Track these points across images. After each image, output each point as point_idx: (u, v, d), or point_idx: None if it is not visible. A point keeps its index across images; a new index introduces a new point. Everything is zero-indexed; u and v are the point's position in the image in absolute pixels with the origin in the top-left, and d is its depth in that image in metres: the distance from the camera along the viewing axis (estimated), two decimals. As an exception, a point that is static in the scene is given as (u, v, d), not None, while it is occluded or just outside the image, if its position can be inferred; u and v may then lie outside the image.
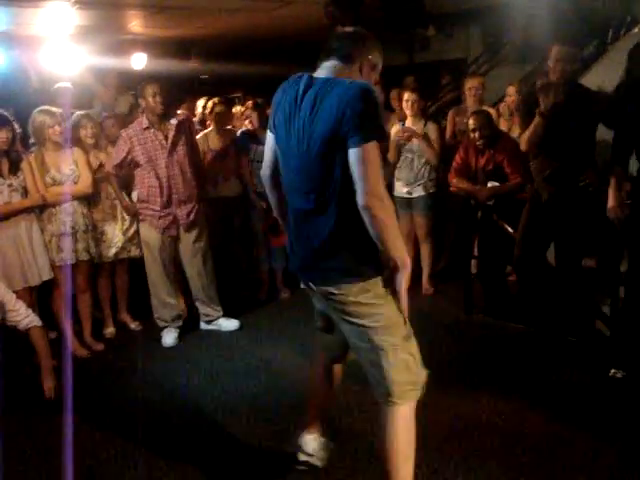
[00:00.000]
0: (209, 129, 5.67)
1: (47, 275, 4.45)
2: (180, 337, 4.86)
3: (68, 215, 4.48)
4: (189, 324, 5.00)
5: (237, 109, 6.21)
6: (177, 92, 6.98)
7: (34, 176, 4.40)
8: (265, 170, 2.67)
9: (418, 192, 5.48)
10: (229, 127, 5.89)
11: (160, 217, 4.65)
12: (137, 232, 4.90)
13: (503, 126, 5.39)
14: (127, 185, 4.90)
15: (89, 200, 4.70)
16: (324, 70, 2.39)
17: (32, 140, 4.73)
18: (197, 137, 5.31)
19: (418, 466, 2.58)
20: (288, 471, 3.02)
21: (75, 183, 4.54)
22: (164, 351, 4.71)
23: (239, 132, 5.70)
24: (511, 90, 5.56)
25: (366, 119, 2.17)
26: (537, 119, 3.97)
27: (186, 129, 4.77)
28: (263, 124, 5.29)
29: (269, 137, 2.58)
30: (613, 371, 3.79)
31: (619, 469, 2.95)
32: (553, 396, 3.66)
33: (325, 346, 2.84)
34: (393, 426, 2.44)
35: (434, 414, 3.42)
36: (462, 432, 3.32)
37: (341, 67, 2.36)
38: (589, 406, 3.52)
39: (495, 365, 4.14)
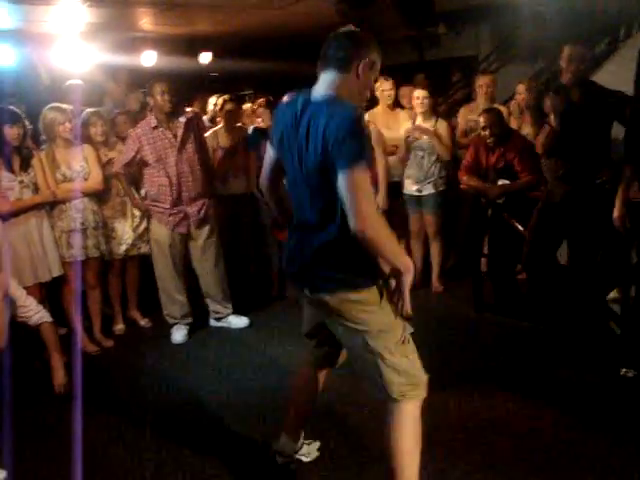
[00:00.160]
0: (219, 126, 5.67)
1: (57, 271, 4.47)
2: (189, 334, 4.87)
3: (78, 212, 4.50)
4: (198, 321, 5.01)
5: (247, 106, 6.21)
6: (187, 90, 7.00)
7: (45, 173, 4.42)
8: (263, 180, 2.75)
9: (428, 190, 5.47)
10: (239, 124, 5.89)
11: (171, 214, 4.65)
12: (147, 229, 4.91)
13: (513, 124, 5.36)
14: (136, 182, 4.91)
15: (99, 197, 4.71)
16: (323, 85, 2.40)
17: (43, 137, 4.75)
18: (207, 134, 5.31)
19: (425, 466, 2.58)
20: (296, 468, 3.02)
21: (85, 180, 4.56)
22: (173, 348, 4.72)
23: (251, 128, 5.70)
24: (521, 88, 5.53)
25: (349, 146, 2.18)
26: (549, 129, 3.97)
27: (194, 126, 4.77)
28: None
29: (269, 150, 2.64)
30: (624, 370, 3.77)
31: (630, 469, 2.93)
32: (563, 395, 3.64)
33: (312, 351, 2.87)
34: (398, 424, 2.45)
35: (443, 413, 3.42)
36: (471, 431, 3.31)
37: (339, 78, 2.37)
38: (600, 405, 3.50)
39: (505, 363, 4.12)
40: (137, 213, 4.90)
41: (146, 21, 7.09)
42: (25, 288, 4.07)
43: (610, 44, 6.54)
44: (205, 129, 5.42)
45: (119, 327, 5.06)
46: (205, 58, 8.37)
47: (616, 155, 4.03)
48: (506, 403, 3.58)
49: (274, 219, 5.09)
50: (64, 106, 4.53)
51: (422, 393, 2.46)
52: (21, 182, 4.30)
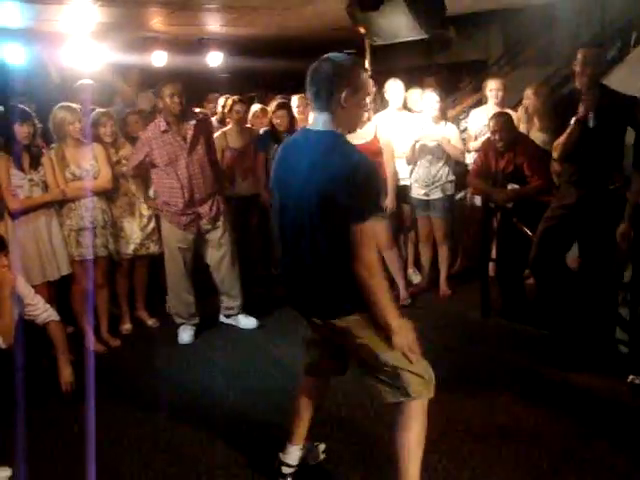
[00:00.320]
0: (228, 127, 5.68)
1: (66, 270, 4.48)
2: (196, 335, 4.87)
3: (87, 210, 4.52)
4: (205, 322, 5.01)
5: (257, 108, 6.22)
6: (196, 90, 7.01)
7: (54, 171, 4.44)
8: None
9: (436, 194, 5.46)
10: (248, 126, 5.90)
11: (182, 214, 4.67)
12: (155, 229, 4.93)
13: (522, 129, 5.35)
14: (145, 182, 4.92)
15: (108, 196, 4.73)
16: (317, 125, 2.46)
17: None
18: (215, 135, 5.32)
19: (434, 469, 2.58)
20: (303, 470, 3.02)
21: (95, 179, 4.57)
22: (180, 348, 4.73)
23: (262, 130, 5.69)
24: (529, 92, 5.50)
25: (365, 201, 2.30)
26: (573, 126, 3.92)
27: (204, 128, 4.77)
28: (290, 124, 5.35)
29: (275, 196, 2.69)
30: (632, 377, 3.75)
31: (636, 476, 2.92)
32: (570, 401, 3.63)
33: (314, 361, 2.91)
34: (409, 422, 2.52)
35: (449, 417, 3.41)
36: (478, 435, 3.30)
37: (327, 116, 2.41)
38: (607, 412, 3.49)
39: (511, 368, 4.11)
40: (145, 213, 4.91)
41: (157, 21, 7.11)
42: (33, 286, 4.08)
43: (621, 49, 6.51)
44: (214, 130, 5.42)
45: (126, 327, 5.07)
46: (215, 59, 8.39)
47: (626, 161, 4.02)
48: (512, 408, 3.57)
49: None
50: (74, 105, 4.55)
51: (431, 391, 2.53)
52: (31, 180, 4.32)
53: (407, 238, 5.90)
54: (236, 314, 5.03)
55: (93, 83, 5.39)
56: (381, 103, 5.75)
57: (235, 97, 5.82)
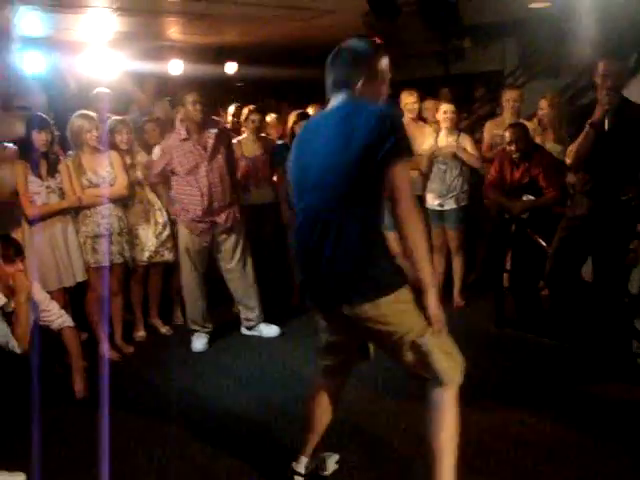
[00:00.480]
0: (243, 136, 5.70)
1: (81, 277, 4.52)
2: (209, 343, 4.88)
3: (104, 217, 4.55)
4: (219, 330, 5.02)
5: (272, 117, 6.24)
6: (212, 99, 7.04)
7: (71, 178, 4.48)
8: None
9: (450, 205, 5.45)
10: (263, 135, 5.92)
11: (199, 222, 4.69)
12: (170, 236, 4.96)
13: (537, 140, 5.33)
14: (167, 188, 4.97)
15: (124, 203, 4.75)
16: (336, 103, 2.48)
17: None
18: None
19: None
20: (315, 480, 3.01)
21: (111, 185, 4.60)
22: (193, 356, 4.73)
23: (278, 142, 5.71)
24: (543, 103, 5.49)
25: (401, 141, 2.29)
26: (587, 129, 3.88)
27: (224, 138, 4.83)
28: None
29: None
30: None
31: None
32: (586, 413, 3.59)
33: (324, 366, 2.87)
34: (442, 411, 2.51)
35: (463, 428, 3.37)
36: (492, 447, 3.28)
37: (349, 96, 2.44)
38: (623, 424, 3.45)
39: (526, 380, 4.08)
40: (160, 220, 4.94)
41: (174, 30, 7.17)
42: (49, 292, 4.11)
43: (638, 60, 6.48)
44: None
45: (140, 334, 5.08)
46: (231, 68, 8.44)
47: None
48: (527, 420, 3.54)
49: None
50: (91, 114, 4.60)
51: (461, 377, 2.54)
52: (48, 187, 4.37)
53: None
54: (256, 324, 5.04)
55: (109, 91, 5.43)
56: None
57: (251, 106, 5.84)
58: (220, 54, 8.39)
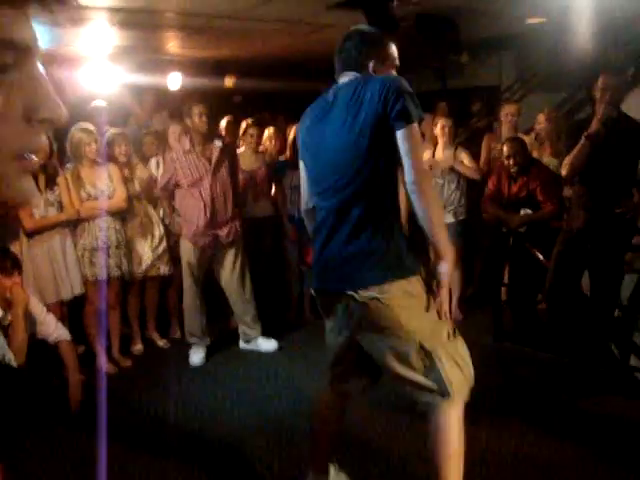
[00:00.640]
0: (241, 150, 5.72)
1: (79, 290, 4.51)
2: (208, 357, 4.87)
3: (101, 230, 4.55)
4: (216, 344, 5.01)
5: (270, 130, 6.25)
6: (212, 112, 7.05)
7: (69, 191, 4.48)
8: (306, 204, 2.67)
9: (448, 219, 5.44)
10: (261, 148, 5.94)
11: (202, 235, 4.70)
12: (166, 250, 4.97)
13: (534, 154, 5.35)
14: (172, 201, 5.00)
15: (122, 216, 4.76)
16: (346, 80, 2.46)
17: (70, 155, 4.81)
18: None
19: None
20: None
21: (110, 198, 4.61)
22: (191, 370, 4.72)
23: (280, 159, 5.74)
24: (541, 117, 5.52)
25: (406, 102, 2.24)
26: (583, 141, 3.90)
27: (229, 153, 4.86)
28: None
29: (302, 166, 2.62)
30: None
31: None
32: (585, 427, 3.59)
33: (334, 378, 2.72)
34: (447, 426, 2.38)
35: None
36: (491, 462, 3.26)
37: (358, 74, 2.43)
38: (622, 438, 3.44)
39: (525, 394, 4.07)
40: (157, 233, 4.94)
41: (173, 44, 7.20)
42: (47, 305, 4.10)
43: (635, 75, 6.51)
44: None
45: (137, 347, 5.07)
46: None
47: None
48: (526, 434, 3.53)
49: (305, 249, 5.13)
50: (91, 127, 4.60)
51: (468, 393, 2.43)
52: (46, 200, 4.37)
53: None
54: (254, 338, 5.04)
55: (106, 105, 5.45)
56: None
57: (249, 120, 5.86)
58: (219, 67, 8.41)
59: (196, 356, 4.83)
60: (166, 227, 5.04)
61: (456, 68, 8.54)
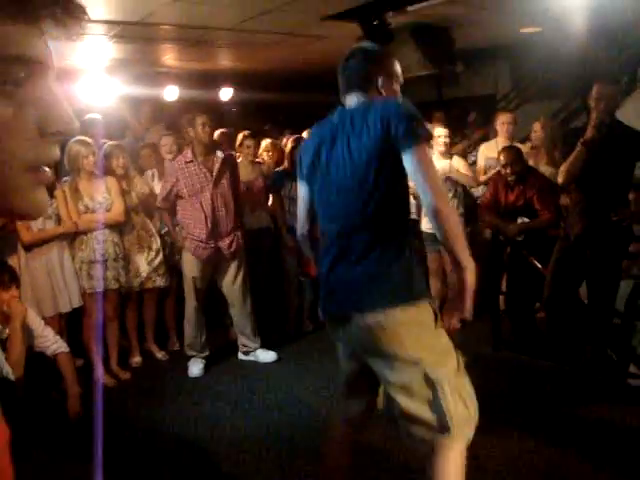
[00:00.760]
0: (238, 161, 5.72)
1: (77, 302, 4.50)
2: (207, 368, 4.86)
3: (99, 243, 4.55)
4: (215, 355, 5.00)
5: (267, 142, 6.27)
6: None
7: (67, 204, 4.48)
8: (302, 228, 2.61)
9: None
10: (257, 160, 5.95)
11: (204, 248, 4.70)
12: (162, 262, 4.97)
13: (530, 163, 5.37)
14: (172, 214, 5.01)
15: (120, 229, 4.76)
16: (351, 103, 2.41)
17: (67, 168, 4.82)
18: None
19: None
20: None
21: (108, 211, 4.61)
22: (190, 381, 4.71)
23: (277, 170, 5.75)
24: (537, 126, 5.54)
25: (413, 123, 2.18)
26: (579, 148, 3.92)
27: (230, 164, 4.87)
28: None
29: (302, 188, 2.55)
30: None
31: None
32: (584, 435, 3.58)
33: (345, 401, 2.62)
34: (447, 464, 2.23)
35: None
36: (490, 470, 3.26)
37: (363, 97, 2.37)
38: (622, 446, 3.44)
39: (524, 402, 4.07)
40: (153, 246, 4.94)
41: (169, 57, 7.23)
42: (45, 319, 4.10)
43: (629, 83, 6.55)
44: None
45: (136, 359, 5.06)
46: (226, 94, 8.49)
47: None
48: (525, 442, 3.52)
49: (305, 259, 5.13)
50: (88, 140, 4.61)
51: (473, 429, 2.29)
52: (44, 213, 4.36)
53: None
54: (253, 350, 5.03)
55: (100, 118, 5.45)
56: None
57: (245, 132, 5.89)
58: (215, 80, 8.44)
59: (195, 367, 4.82)
60: (162, 238, 5.04)
61: (451, 78, 8.58)
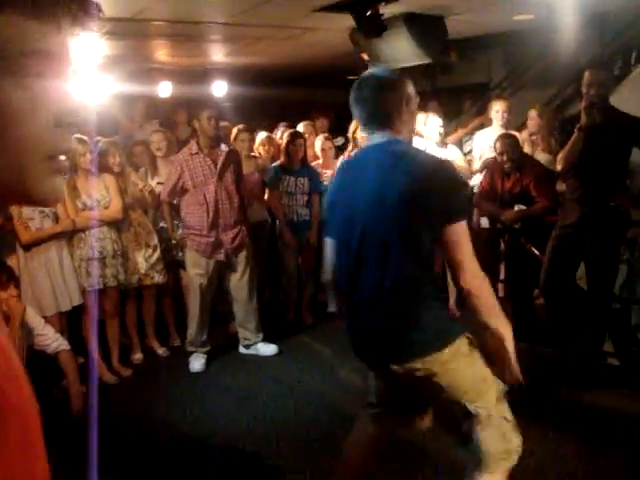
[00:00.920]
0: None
1: (77, 300, 4.49)
2: (208, 363, 4.87)
3: (97, 240, 4.54)
4: (216, 350, 5.00)
5: (263, 136, 6.26)
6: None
7: (65, 202, 4.47)
8: (328, 275, 2.56)
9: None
10: (252, 154, 5.94)
11: (207, 243, 4.70)
12: (160, 259, 4.97)
13: (526, 150, 5.37)
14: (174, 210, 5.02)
15: (118, 226, 4.75)
16: (377, 141, 2.32)
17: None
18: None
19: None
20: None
21: (105, 208, 4.60)
22: (191, 377, 4.72)
23: (272, 166, 5.74)
24: (533, 113, 5.54)
25: (452, 199, 2.14)
26: (576, 134, 3.92)
27: (235, 159, 4.89)
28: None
29: (329, 243, 2.49)
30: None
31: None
32: (585, 420, 3.60)
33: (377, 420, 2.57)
34: None
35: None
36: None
37: (388, 134, 2.28)
38: (621, 432, 3.46)
39: (524, 389, 4.07)
40: (150, 243, 4.94)
41: (162, 53, 7.20)
42: (46, 317, 4.10)
43: (622, 68, 6.55)
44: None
45: (137, 356, 5.06)
46: (219, 89, 8.47)
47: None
48: (526, 429, 3.50)
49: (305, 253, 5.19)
50: (84, 137, 4.59)
51: (514, 459, 2.26)
52: (42, 212, 4.35)
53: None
54: (254, 343, 5.04)
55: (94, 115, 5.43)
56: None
57: (240, 126, 5.88)
58: (208, 75, 8.41)
59: (196, 362, 4.83)
60: (159, 234, 5.03)
61: (445, 67, 8.57)
